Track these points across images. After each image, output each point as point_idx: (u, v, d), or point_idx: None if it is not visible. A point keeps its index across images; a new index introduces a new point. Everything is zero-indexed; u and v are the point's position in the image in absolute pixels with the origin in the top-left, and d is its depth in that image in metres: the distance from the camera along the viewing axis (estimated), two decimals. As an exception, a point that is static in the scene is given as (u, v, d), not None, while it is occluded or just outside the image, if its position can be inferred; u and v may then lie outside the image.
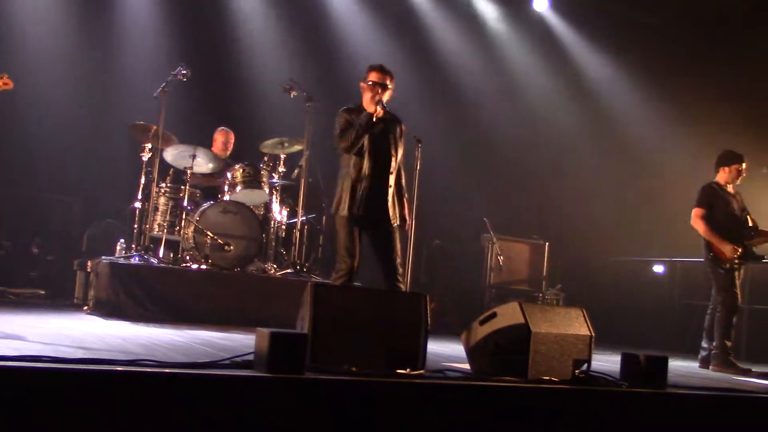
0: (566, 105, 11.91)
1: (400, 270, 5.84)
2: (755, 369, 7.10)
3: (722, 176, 7.50)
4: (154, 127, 8.09)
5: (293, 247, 8.54)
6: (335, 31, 11.24)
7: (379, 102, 5.77)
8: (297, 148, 8.73)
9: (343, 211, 5.73)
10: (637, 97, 11.53)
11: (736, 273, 7.26)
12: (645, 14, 11.57)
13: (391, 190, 5.87)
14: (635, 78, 11.55)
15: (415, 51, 11.39)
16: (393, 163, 5.89)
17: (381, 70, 5.87)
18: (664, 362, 4.68)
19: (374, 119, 5.74)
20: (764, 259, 7.41)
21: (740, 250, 7.19)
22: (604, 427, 4.24)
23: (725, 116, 10.32)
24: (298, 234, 8.53)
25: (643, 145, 11.29)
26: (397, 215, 5.90)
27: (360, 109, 5.85)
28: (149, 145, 8.13)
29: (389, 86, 5.88)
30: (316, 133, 8.65)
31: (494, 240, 10.08)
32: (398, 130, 5.99)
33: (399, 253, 5.84)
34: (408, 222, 6.01)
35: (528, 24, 12.19)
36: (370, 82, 5.83)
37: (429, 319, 4.38)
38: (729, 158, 7.47)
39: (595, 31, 11.91)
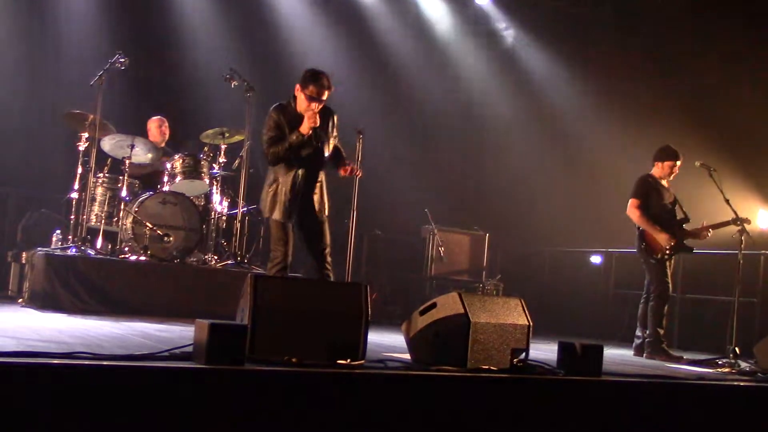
0: (507, 98, 12.02)
1: (329, 259, 5.96)
2: (687, 356, 7.29)
3: (657, 170, 7.66)
4: (91, 116, 7.93)
5: (234, 239, 8.48)
6: (276, 19, 11.17)
7: (311, 117, 5.72)
8: (238, 138, 8.66)
9: (276, 215, 5.81)
10: (576, 90, 11.68)
11: (667, 263, 7.45)
12: (583, 8, 11.75)
13: (318, 186, 5.94)
14: (575, 71, 11.70)
15: (356, 40, 11.38)
16: (323, 161, 5.93)
17: (321, 85, 5.71)
18: (600, 350, 4.78)
19: (305, 139, 5.73)
20: (694, 250, 7.63)
21: (674, 241, 7.38)
22: (541, 414, 4.32)
23: (662, 109, 10.53)
24: (238, 225, 8.47)
25: (581, 137, 11.46)
26: (326, 207, 5.98)
27: (293, 110, 5.81)
28: (86, 135, 7.97)
29: (325, 99, 5.81)
30: (256, 123, 8.58)
31: (435, 231, 10.15)
32: (330, 122, 5.96)
33: (329, 243, 5.96)
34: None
35: (470, 17, 12.27)
36: (308, 95, 5.72)
37: (369, 309, 4.41)
38: (665, 154, 7.61)
39: (535, 25, 12.04)
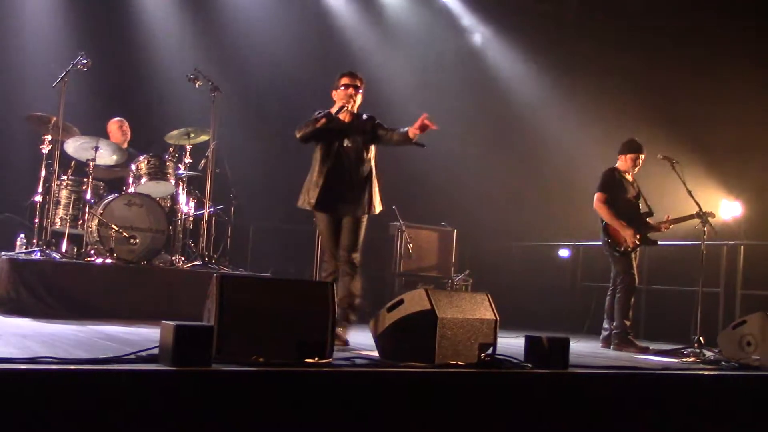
0: (471, 92, 12.05)
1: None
2: (653, 347, 7.39)
3: (621, 163, 7.74)
4: (54, 119, 7.86)
5: (201, 239, 8.45)
6: (240, 19, 11.11)
7: (351, 103, 6.03)
8: (203, 138, 8.62)
9: (310, 201, 5.98)
10: (541, 86, 11.74)
11: (633, 255, 7.54)
12: (548, 4, 11.82)
13: (363, 183, 6.17)
14: (538, 65, 11.77)
15: (318, 37, 11.34)
16: (365, 157, 6.18)
17: (351, 74, 6.14)
18: (566, 343, 4.81)
19: (332, 117, 5.97)
20: (658, 242, 7.73)
21: (639, 237, 7.46)
22: (509, 407, 4.35)
23: (626, 103, 10.62)
24: (205, 226, 8.45)
25: (546, 132, 11.53)
26: (366, 205, 6.20)
27: (329, 113, 6.05)
28: (49, 137, 7.90)
29: (360, 88, 6.11)
30: (222, 124, 8.56)
31: (403, 227, 10.15)
32: (371, 125, 6.21)
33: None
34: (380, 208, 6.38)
35: (432, 12, 12.30)
36: (342, 86, 6.07)
37: (336, 307, 4.41)
38: (628, 147, 7.69)
39: (500, 21, 12.09)
